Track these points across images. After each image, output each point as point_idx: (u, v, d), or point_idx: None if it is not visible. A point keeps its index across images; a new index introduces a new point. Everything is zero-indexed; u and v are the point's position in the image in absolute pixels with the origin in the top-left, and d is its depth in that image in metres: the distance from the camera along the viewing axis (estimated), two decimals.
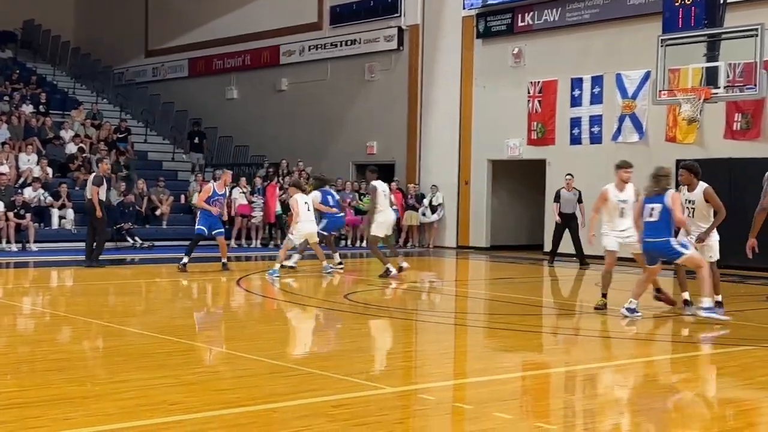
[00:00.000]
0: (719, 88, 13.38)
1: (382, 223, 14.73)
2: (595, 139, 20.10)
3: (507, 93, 21.84)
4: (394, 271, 14.54)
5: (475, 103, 22.69)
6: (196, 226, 15.20)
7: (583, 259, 18.09)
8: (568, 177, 18.33)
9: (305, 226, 14.63)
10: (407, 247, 22.60)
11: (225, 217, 15.76)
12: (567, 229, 18.02)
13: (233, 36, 28.49)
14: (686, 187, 10.67)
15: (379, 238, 14.73)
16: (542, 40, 21.29)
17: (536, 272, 17.76)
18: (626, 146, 19.49)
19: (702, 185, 10.62)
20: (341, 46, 25.64)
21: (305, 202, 14.75)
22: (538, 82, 21.20)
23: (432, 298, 13.39)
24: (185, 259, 14.85)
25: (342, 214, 16.97)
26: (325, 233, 15.93)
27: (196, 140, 26.59)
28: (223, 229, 15.40)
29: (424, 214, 23.05)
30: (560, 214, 18.14)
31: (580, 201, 18.17)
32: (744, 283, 14.92)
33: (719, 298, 10.55)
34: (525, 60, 21.63)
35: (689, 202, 10.56)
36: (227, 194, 14.60)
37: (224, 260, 15.27)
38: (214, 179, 17.39)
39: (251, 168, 25.62)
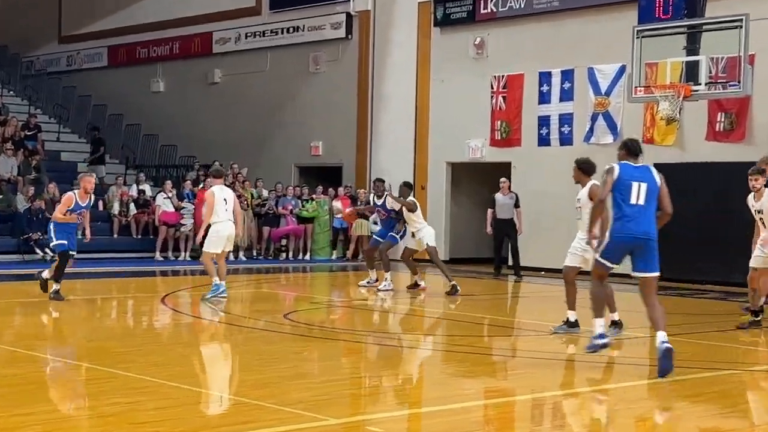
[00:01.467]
0: (700, 84, 13.68)
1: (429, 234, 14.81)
2: (566, 140, 20.34)
3: (468, 88, 21.99)
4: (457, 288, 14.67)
5: (432, 99, 22.82)
6: (54, 242, 12.80)
7: (518, 271, 18.49)
8: (503, 180, 18.65)
9: (223, 227, 13.03)
10: (357, 260, 22.62)
11: (88, 237, 13.20)
12: (506, 237, 18.47)
13: (160, 21, 28.31)
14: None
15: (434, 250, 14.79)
16: (507, 29, 21.50)
17: (499, 288, 17.90)
18: (599, 148, 19.72)
19: (591, 182, 10.69)
20: (282, 33, 25.61)
21: (224, 198, 13.07)
22: (503, 76, 21.39)
23: (383, 317, 13.40)
24: (56, 287, 12.77)
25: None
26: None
27: (101, 150, 25.12)
28: (75, 251, 12.96)
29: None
30: (497, 220, 18.47)
31: (517, 206, 18.50)
32: (726, 300, 15.19)
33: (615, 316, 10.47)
34: (488, 51, 21.81)
35: (578, 200, 10.77)
36: (91, 204, 12.78)
37: (57, 287, 12.79)
38: (76, 186, 14.25)
39: (180, 170, 25.44)
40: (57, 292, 12.71)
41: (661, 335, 7.98)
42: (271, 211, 22.44)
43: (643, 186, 8.39)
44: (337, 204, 22.68)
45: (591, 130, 19.90)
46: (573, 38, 20.32)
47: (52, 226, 12.74)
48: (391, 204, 15.15)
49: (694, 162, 18.03)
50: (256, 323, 11.68)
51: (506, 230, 18.50)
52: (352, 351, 9.88)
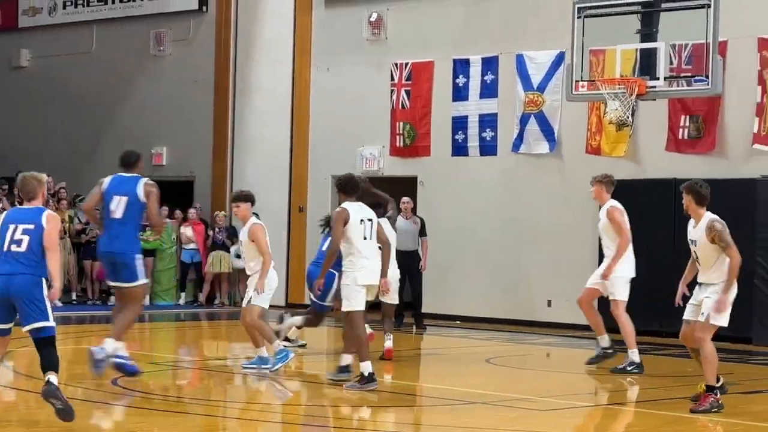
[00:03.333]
0: (658, 79, 14.02)
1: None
2: (488, 148, 20.61)
3: (361, 79, 22.13)
4: None
5: (314, 94, 22.88)
6: None
7: (420, 320, 18.70)
8: (406, 200, 18.85)
9: None
10: (214, 304, 22.48)
11: None
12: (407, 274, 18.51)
13: None
14: None
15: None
16: (412, 3, 21.73)
17: (397, 342, 18.01)
18: (531, 159, 20.08)
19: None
20: (114, 3, 25.39)
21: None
22: (406, 64, 21.60)
23: (247, 382, 13.36)
24: None
25: None
26: None
27: None
28: None
29: (238, 256, 22.98)
30: (396, 252, 18.62)
31: (422, 234, 18.69)
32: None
33: None
34: (387, 31, 22.00)
35: None
36: None
37: None
38: None
39: None
40: None
41: None
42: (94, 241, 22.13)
43: None
44: (187, 231, 22.52)
45: (520, 135, 20.21)
46: (498, 16, 20.65)
47: None
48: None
49: (651, 178, 18.48)
50: (75, 391, 11.49)
51: (407, 265, 18.57)
52: (206, 428, 9.79)
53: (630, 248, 13.24)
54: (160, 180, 24.64)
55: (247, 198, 13.39)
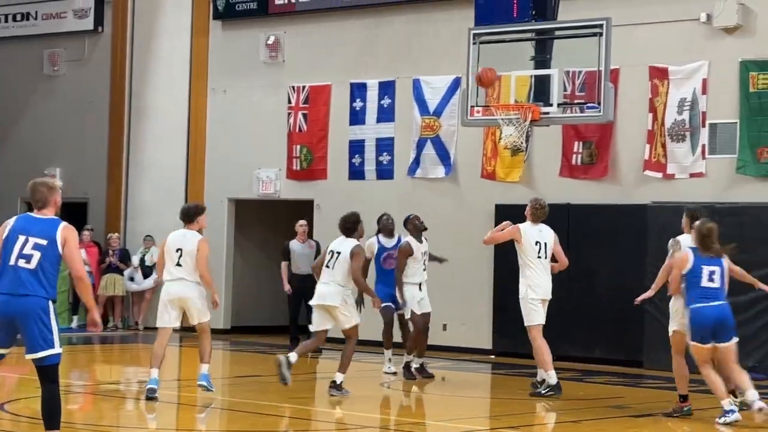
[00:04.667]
0: (552, 105, 14.21)
1: None
2: (385, 172, 20.70)
3: (258, 101, 22.08)
4: None
5: (210, 115, 22.77)
6: None
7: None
8: (302, 224, 18.90)
9: None
10: (107, 328, 22.22)
11: None
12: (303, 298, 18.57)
13: None
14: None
15: None
16: (310, 27, 21.75)
17: (299, 366, 17.96)
18: (427, 183, 20.20)
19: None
20: (7, 21, 25.05)
21: None
22: (303, 87, 21.61)
23: (141, 406, 13.22)
24: None
25: None
26: None
27: None
28: None
29: (132, 279, 22.78)
30: (293, 275, 18.74)
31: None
32: (583, 382, 15.80)
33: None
34: (284, 54, 22.00)
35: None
36: None
37: None
38: None
39: None
40: None
41: None
42: None
43: None
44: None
45: (417, 160, 20.33)
46: (395, 41, 20.76)
47: None
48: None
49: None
50: None
51: (304, 289, 18.56)
52: None
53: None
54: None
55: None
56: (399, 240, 15.70)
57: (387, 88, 20.68)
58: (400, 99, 20.51)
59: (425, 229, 15.48)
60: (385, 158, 20.72)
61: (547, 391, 13.34)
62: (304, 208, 21.16)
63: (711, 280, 11.50)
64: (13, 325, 8.32)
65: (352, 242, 13.41)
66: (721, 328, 11.40)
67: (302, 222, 19.28)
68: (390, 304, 15.25)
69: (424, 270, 15.22)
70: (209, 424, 12.07)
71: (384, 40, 20.87)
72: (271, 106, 21.88)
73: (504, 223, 14.06)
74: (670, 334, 12.16)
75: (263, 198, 22.14)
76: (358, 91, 21.01)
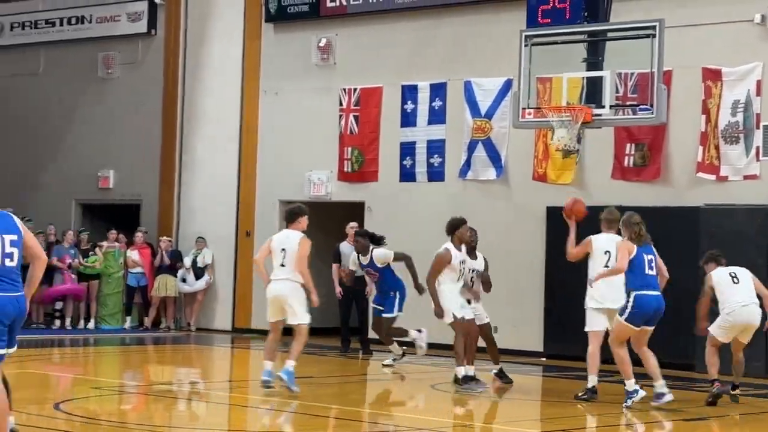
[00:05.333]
0: (604, 107, 14.15)
1: None
2: (435, 174, 20.68)
3: (309, 104, 22.13)
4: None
5: (262, 118, 22.86)
6: None
7: (366, 345, 18.81)
8: (352, 226, 18.94)
9: None
10: (159, 329, 22.38)
11: None
12: (354, 300, 18.72)
13: None
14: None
15: None
16: (361, 29, 21.77)
17: (349, 368, 18.01)
18: (478, 186, 20.15)
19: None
20: (62, 25, 25.26)
21: None
22: (355, 89, 21.64)
23: (193, 407, 13.30)
24: None
25: None
26: None
27: None
28: None
29: (184, 281, 22.90)
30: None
31: None
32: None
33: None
34: (336, 56, 22.04)
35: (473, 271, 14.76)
36: None
37: None
38: None
39: None
40: None
41: None
42: None
43: None
44: (133, 255, 22.41)
45: (468, 162, 20.30)
46: (447, 43, 20.74)
47: None
48: (381, 260, 16.51)
49: (596, 206, 18.56)
50: (18, 417, 11.39)
51: (354, 291, 18.62)
52: None
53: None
54: (106, 203, 24.89)
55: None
56: (371, 257, 16.68)
57: (438, 90, 20.66)
58: (451, 101, 20.48)
59: (472, 243, 15.08)
60: (435, 160, 20.70)
61: (583, 395, 13.32)
62: (355, 210, 21.19)
63: (651, 268, 12.67)
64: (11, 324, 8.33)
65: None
66: (656, 315, 12.67)
67: (353, 224, 19.30)
68: (376, 306, 16.77)
69: (464, 286, 14.61)
70: (259, 425, 12.12)
71: (435, 42, 20.85)
72: (323, 109, 21.92)
73: (571, 230, 13.93)
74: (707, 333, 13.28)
75: (314, 200, 22.15)
76: (409, 93, 21.01)
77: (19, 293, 8.28)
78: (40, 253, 8.52)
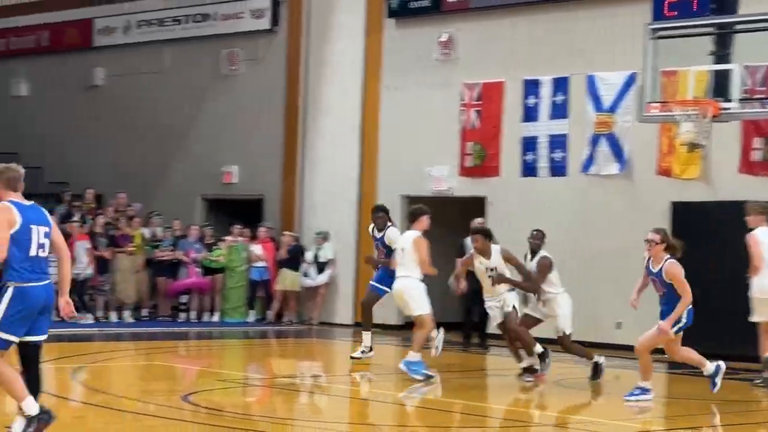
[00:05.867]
0: (731, 101, 13.91)
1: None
2: (558, 169, 20.55)
3: (431, 99, 22.13)
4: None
5: (383, 113, 22.92)
6: None
7: (484, 339, 18.76)
8: (479, 221, 18.57)
9: None
10: (282, 322, 22.58)
11: None
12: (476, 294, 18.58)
13: (22, 3, 28.19)
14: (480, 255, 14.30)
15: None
16: (483, 24, 21.71)
17: (471, 362, 17.98)
18: (601, 180, 19.96)
19: (496, 248, 14.23)
20: (187, 22, 25.61)
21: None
22: (477, 84, 21.60)
23: (315, 400, 13.40)
24: None
25: None
26: None
27: None
28: None
29: (306, 275, 23.07)
30: (470, 273, 18.71)
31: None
32: None
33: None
34: (458, 51, 22.00)
35: (490, 270, 14.26)
36: None
37: None
38: None
39: (47, 201, 25.21)
40: None
41: None
42: (169, 258, 22.31)
43: None
44: (256, 249, 22.64)
45: (591, 156, 20.13)
46: (569, 37, 20.55)
47: None
48: (391, 240, 15.58)
49: (724, 200, 18.28)
50: (146, 407, 11.61)
51: (478, 287, 18.55)
52: None
53: None
54: (230, 198, 25.18)
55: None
56: (384, 234, 15.88)
57: (561, 85, 20.51)
58: (573, 95, 20.32)
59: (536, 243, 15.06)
60: (558, 155, 20.57)
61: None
62: (476, 205, 21.13)
63: None
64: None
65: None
66: None
67: (479, 220, 19.19)
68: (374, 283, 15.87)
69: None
70: (380, 418, 12.16)
71: (557, 36, 20.68)
72: (444, 104, 21.90)
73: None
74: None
75: (435, 195, 22.17)
76: (531, 87, 20.89)
77: (47, 282, 8.59)
78: (66, 248, 8.90)
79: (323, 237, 22.95)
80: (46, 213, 8.73)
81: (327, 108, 23.82)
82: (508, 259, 14.46)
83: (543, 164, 20.71)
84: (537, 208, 20.45)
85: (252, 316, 22.88)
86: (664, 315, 12.67)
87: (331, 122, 23.74)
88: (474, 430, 11.36)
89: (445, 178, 22.03)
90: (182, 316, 22.59)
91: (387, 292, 15.57)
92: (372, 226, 16.36)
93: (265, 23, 24.50)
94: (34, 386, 8.61)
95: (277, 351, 20.16)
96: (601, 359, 14.50)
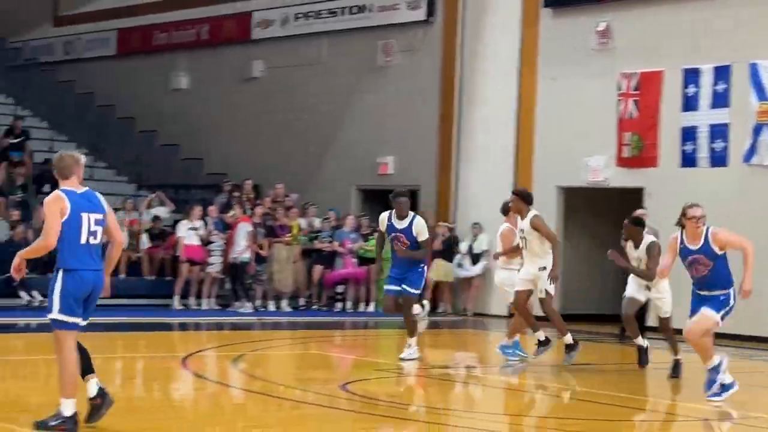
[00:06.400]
0: None
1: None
2: (718, 159, 20.21)
3: (588, 89, 21.97)
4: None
5: (539, 104, 22.82)
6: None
7: (642, 332, 18.47)
8: (641, 212, 18.29)
9: None
10: (436, 313, 22.65)
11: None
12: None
13: None
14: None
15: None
16: (641, 12, 21.46)
17: (626, 356, 17.76)
18: (764, 171, 19.56)
19: (533, 213, 14.10)
20: (343, 14, 25.85)
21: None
22: (634, 73, 21.35)
23: (470, 390, 13.40)
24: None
25: None
26: None
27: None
28: None
29: (460, 266, 23.11)
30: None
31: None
32: None
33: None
34: (615, 41, 21.79)
35: (521, 230, 14.30)
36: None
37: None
38: None
39: (206, 192, 25.77)
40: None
41: None
42: (326, 249, 22.55)
43: None
44: None
45: (753, 146, 19.76)
46: (731, 24, 20.20)
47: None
48: (419, 230, 14.31)
49: None
50: (304, 395, 11.78)
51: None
52: None
53: None
54: (385, 189, 25.29)
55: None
56: (411, 222, 14.33)
57: (722, 73, 20.15)
58: (735, 84, 19.95)
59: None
60: (718, 145, 20.21)
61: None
62: (633, 196, 20.88)
63: None
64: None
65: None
66: None
67: (641, 211, 18.80)
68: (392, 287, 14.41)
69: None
70: (531, 410, 12.11)
71: (718, 24, 20.32)
72: (601, 94, 21.71)
73: None
74: None
75: (592, 186, 22.00)
76: (691, 76, 20.58)
77: (97, 269, 8.78)
78: (119, 236, 9.06)
79: (478, 228, 22.96)
80: (101, 199, 8.87)
81: (482, 98, 23.82)
82: (649, 249, 14.05)
83: (703, 154, 20.40)
84: (696, 199, 19.92)
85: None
86: (706, 299, 11.74)
87: (487, 112, 23.73)
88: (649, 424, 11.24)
89: (602, 169, 21.82)
90: (338, 305, 22.83)
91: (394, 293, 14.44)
92: (388, 214, 14.62)
93: (420, 14, 24.59)
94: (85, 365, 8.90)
95: (431, 341, 20.17)
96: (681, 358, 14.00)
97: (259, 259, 21.73)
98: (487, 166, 23.64)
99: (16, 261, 8.87)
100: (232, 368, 13.59)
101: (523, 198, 14.25)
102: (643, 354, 14.39)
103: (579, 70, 22.18)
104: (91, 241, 8.67)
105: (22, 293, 20.31)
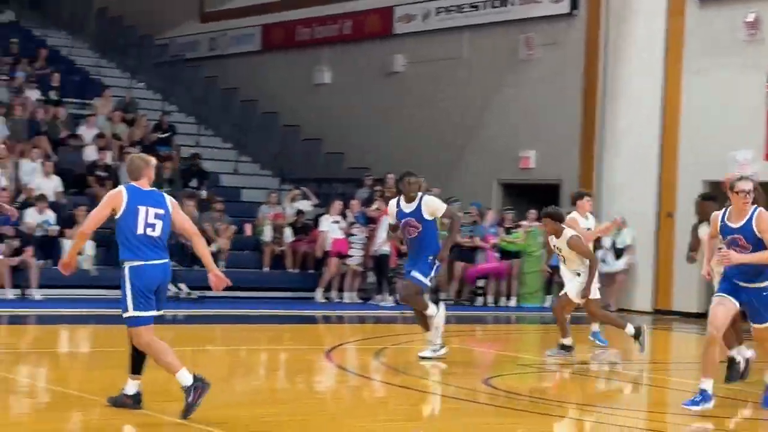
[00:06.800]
0: None
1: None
2: None
3: (735, 81, 21.58)
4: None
5: (685, 97, 22.48)
6: None
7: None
8: None
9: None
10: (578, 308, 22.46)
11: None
12: None
13: None
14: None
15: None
16: None
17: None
18: None
19: (569, 233, 13.86)
20: (484, 8, 25.79)
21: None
22: None
23: (615, 387, 13.29)
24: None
25: None
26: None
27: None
28: None
29: (603, 261, 22.87)
30: None
31: None
32: None
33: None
34: (764, 32, 21.36)
35: (557, 248, 14.11)
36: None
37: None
38: None
39: (347, 186, 25.97)
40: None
41: None
42: (466, 244, 22.55)
43: None
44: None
45: None
46: None
47: None
48: (433, 209, 13.15)
49: None
50: (446, 389, 11.81)
51: None
52: (573, 430, 9.83)
53: None
54: (527, 183, 25.22)
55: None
56: (420, 202, 13.05)
57: None
58: None
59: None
60: None
61: None
62: None
63: None
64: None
65: None
66: None
67: None
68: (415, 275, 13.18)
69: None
70: (676, 408, 11.93)
71: None
72: (749, 86, 21.31)
73: None
74: None
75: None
76: None
77: (164, 261, 9.03)
78: (191, 228, 9.35)
79: (622, 222, 22.68)
80: (167, 198, 9.18)
81: (626, 91, 23.55)
82: None
83: None
84: None
85: (549, 302, 22.87)
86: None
87: (631, 106, 23.47)
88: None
89: (750, 163, 21.39)
90: (479, 300, 22.82)
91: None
92: (396, 200, 13.36)
93: (564, 7, 24.41)
94: (140, 360, 9.16)
95: (574, 336, 20.05)
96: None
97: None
98: (631, 159, 23.38)
99: (65, 259, 9.29)
100: (374, 361, 13.69)
101: (554, 218, 13.97)
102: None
103: (726, 62, 21.79)
104: (149, 232, 8.93)
105: (169, 286, 20.69)
